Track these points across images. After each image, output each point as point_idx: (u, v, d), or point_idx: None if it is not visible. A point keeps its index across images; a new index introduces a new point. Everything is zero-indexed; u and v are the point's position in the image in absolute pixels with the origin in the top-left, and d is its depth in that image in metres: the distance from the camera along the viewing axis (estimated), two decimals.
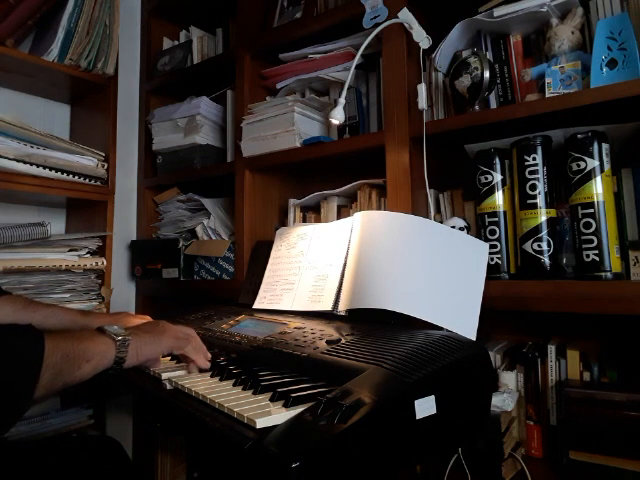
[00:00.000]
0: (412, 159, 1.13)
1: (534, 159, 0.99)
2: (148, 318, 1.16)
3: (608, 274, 0.90)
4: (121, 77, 1.63)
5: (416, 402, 0.64)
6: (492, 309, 0.95)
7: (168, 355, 0.98)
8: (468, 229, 1.11)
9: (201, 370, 0.88)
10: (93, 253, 1.54)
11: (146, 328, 0.89)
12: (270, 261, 1.30)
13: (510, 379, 1.05)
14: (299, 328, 0.98)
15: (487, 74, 1.04)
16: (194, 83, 1.72)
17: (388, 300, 0.92)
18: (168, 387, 0.82)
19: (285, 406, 0.65)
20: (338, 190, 1.34)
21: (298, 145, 1.31)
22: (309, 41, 1.35)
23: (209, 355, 0.93)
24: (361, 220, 1.07)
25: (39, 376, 0.66)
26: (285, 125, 1.32)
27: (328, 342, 0.85)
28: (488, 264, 0.99)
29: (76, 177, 1.46)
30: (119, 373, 0.80)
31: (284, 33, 1.40)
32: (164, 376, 0.85)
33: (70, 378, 0.72)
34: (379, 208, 1.26)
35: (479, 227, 1.07)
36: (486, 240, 1.03)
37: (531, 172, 0.99)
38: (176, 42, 1.85)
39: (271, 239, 1.35)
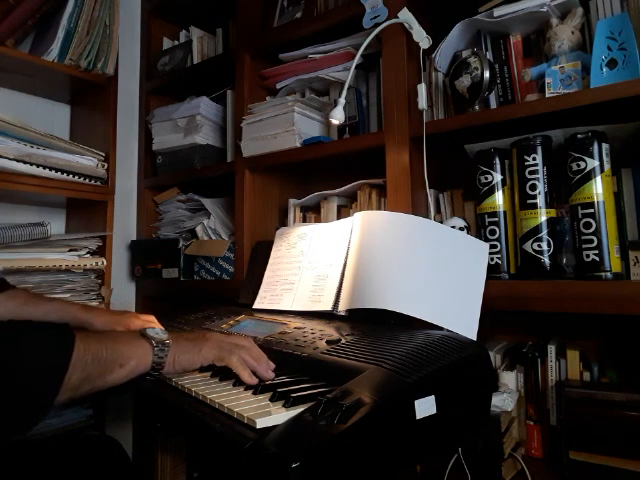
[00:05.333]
0: (412, 159, 1.12)
1: (534, 159, 0.99)
2: (152, 319, 1.10)
3: (608, 274, 0.90)
4: (121, 77, 1.63)
5: (416, 402, 0.64)
6: (492, 309, 0.95)
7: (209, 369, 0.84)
8: (468, 229, 1.11)
9: (247, 387, 0.75)
10: (93, 253, 1.54)
11: (189, 336, 0.83)
12: (270, 261, 1.30)
13: (510, 379, 1.05)
14: (299, 328, 0.98)
15: (487, 74, 1.04)
16: (194, 83, 1.72)
17: (388, 300, 0.92)
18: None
19: (285, 406, 0.65)
20: (338, 190, 1.34)
21: (298, 145, 1.31)
22: (309, 41, 1.35)
23: (270, 365, 0.80)
24: (361, 220, 1.07)
25: (64, 378, 0.63)
26: (285, 125, 1.32)
27: (328, 342, 0.85)
28: (488, 264, 0.99)
29: (76, 177, 1.46)
30: (157, 379, 0.76)
31: (284, 33, 1.40)
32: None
33: (100, 383, 0.68)
34: (379, 208, 1.26)
35: (479, 227, 1.07)
36: (486, 240, 1.03)
37: (531, 172, 0.99)
38: (176, 42, 1.85)
39: (271, 239, 1.35)
